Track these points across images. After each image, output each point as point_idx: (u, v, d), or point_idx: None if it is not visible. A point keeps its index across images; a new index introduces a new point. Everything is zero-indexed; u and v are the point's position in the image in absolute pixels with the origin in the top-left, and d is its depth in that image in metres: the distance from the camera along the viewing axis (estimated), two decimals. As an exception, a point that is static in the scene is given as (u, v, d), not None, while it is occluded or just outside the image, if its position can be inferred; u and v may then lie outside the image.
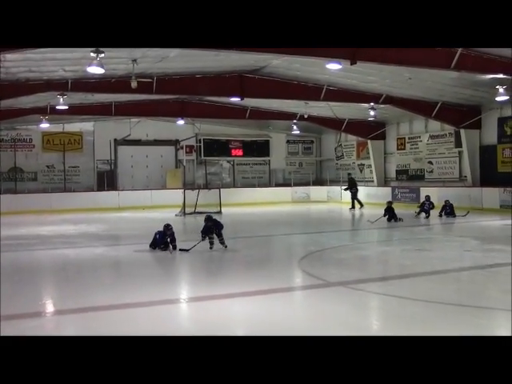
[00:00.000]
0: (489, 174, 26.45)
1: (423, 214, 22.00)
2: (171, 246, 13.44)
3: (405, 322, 7.04)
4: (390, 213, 20.88)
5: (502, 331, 6.90)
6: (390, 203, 21.57)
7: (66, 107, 23.78)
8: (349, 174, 32.15)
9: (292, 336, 5.61)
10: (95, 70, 16.13)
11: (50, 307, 8.50)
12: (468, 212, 21.39)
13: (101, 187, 31.94)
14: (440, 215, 22.08)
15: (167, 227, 13.74)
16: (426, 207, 22.13)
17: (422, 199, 25.41)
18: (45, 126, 29.60)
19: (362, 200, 29.09)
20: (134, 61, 17.73)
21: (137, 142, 33.16)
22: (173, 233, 13.62)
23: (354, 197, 28.70)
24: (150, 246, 13.73)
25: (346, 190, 29.81)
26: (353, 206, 28.25)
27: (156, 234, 13.74)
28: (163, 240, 13.54)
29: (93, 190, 31.54)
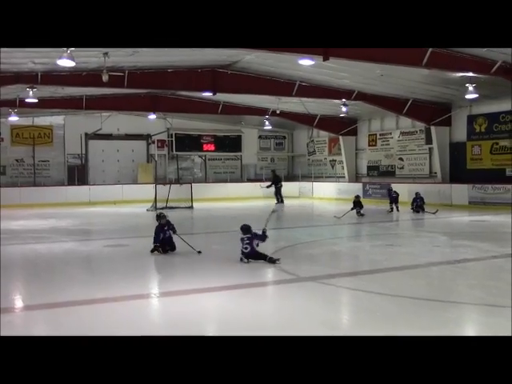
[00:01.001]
0: (458, 170, 26.82)
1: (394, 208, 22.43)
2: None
3: (375, 317, 7.09)
4: (357, 206, 21.16)
5: (471, 325, 7.02)
6: (357, 197, 21.89)
7: (36, 100, 23.50)
8: (272, 170, 32.55)
9: (286, 336, 5.62)
10: (66, 62, 15.95)
11: (19, 303, 8.39)
12: (437, 210, 21.61)
13: (71, 182, 31.65)
14: (412, 208, 22.28)
15: (158, 217, 12.67)
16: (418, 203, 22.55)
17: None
18: (14, 119, 29.20)
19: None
20: (106, 54, 17.56)
21: (108, 137, 32.91)
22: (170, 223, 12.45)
23: (278, 192, 29.58)
24: (153, 251, 12.20)
25: (268, 187, 30.09)
26: (279, 201, 29.12)
27: (159, 233, 12.29)
28: (160, 236, 12.21)
29: (63, 185, 31.22)
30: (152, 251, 12.11)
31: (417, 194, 22.73)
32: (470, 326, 7.01)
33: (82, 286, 9.20)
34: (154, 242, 12.21)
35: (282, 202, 29.34)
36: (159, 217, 12.64)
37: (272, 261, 10.65)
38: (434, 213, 21.36)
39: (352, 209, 20.96)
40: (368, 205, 24.64)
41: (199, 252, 11.96)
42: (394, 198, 23.17)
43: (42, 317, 7.41)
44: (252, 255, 10.84)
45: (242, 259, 10.86)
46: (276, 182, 30.10)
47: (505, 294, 8.13)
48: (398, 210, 22.79)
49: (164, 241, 12.19)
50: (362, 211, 21.08)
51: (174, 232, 12.30)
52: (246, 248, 10.94)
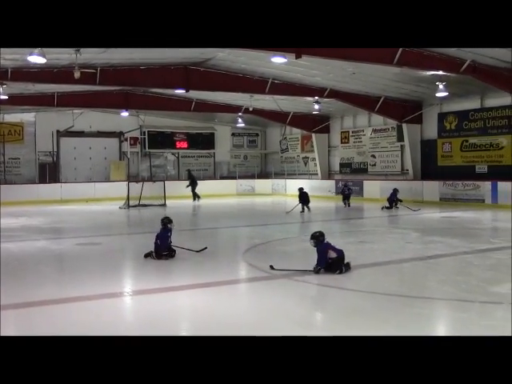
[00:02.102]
0: (429, 167, 27.15)
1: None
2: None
3: (348, 313, 7.17)
4: (303, 199, 21.83)
5: (442, 320, 7.13)
6: (301, 189, 22.43)
7: (6, 97, 23.25)
8: (188, 170, 32.38)
9: (261, 336, 5.65)
10: (36, 59, 15.80)
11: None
12: (419, 209, 21.81)
13: (43, 179, 31.31)
14: (390, 205, 22.57)
15: (167, 221, 11.48)
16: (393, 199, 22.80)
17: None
18: (-17, 116, 28.83)
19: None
20: (77, 51, 17.37)
21: (80, 134, 32.66)
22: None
23: (193, 189, 29.63)
24: (147, 255, 11.22)
25: (188, 186, 30.08)
26: (195, 198, 29.21)
27: (157, 239, 11.20)
28: (167, 242, 11.24)
29: (34, 183, 30.88)
30: (146, 256, 11.17)
31: (394, 190, 22.94)
32: (442, 322, 7.13)
33: (54, 285, 9.15)
34: (162, 248, 11.11)
35: (198, 198, 29.41)
36: (167, 221, 11.49)
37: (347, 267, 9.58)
38: (416, 210, 21.58)
39: (299, 203, 21.72)
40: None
41: (202, 250, 11.49)
42: (347, 196, 24.36)
43: (14, 316, 7.35)
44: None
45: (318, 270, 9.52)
46: (192, 180, 30.08)
47: (474, 290, 8.28)
48: (349, 206, 23.97)
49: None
50: (309, 205, 21.92)
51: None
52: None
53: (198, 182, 30.63)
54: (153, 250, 11.14)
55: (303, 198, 21.86)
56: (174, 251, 11.22)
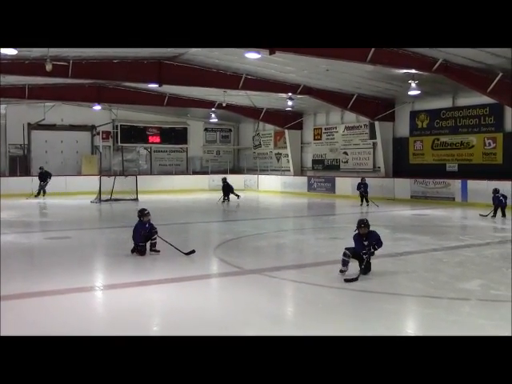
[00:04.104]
0: (401, 165, 27.39)
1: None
2: (150, 244, 10.97)
3: (319, 309, 7.22)
4: (225, 190, 24.07)
5: (410, 316, 7.22)
6: (224, 180, 24.78)
7: (-25, 89, 22.89)
8: (40, 167, 29.25)
9: (277, 336, 5.65)
10: (7, 50, 15.60)
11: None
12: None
13: (13, 172, 30.92)
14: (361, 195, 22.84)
15: (140, 214, 11.17)
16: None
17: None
18: (-48, 107, 28.35)
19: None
20: (50, 43, 17.17)
21: (51, 127, 32.28)
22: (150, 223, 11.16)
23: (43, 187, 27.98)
24: (133, 250, 10.98)
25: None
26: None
27: (140, 231, 10.94)
28: (139, 235, 10.89)
29: (4, 176, 30.45)
30: (133, 251, 10.94)
31: (362, 179, 23.34)
32: (411, 318, 7.22)
33: (23, 279, 9.06)
34: (135, 241, 10.96)
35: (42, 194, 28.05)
36: (143, 213, 11.14)
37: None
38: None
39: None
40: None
41: (190, 253, 10.81)
42: (363, 194, 23.28)
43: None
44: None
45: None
46: (43, 178, 28.41)
47: (443, 286, 8.40)
48: (367, 204, 22.93)
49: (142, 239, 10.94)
50: (228, 198, 24.20)
51: (155, 233, 11.05)
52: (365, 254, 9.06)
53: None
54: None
55: (226, 188, 24.66)
56: (155, 249, 10.93)
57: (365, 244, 9.02)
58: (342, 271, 8.96)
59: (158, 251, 10.93)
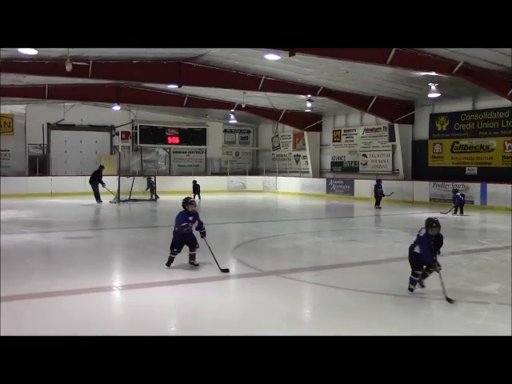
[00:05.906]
0: (420, 168, 27.24)
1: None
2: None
3: (337, 311, 7.19)
4: (195, 191, 26.16)
5: (429, 319, 7.16)
6: (194, 182, 26.97)
7: (-4, 88, 23.09)
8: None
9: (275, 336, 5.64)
10: (28, 50, 15.70)
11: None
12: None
13: (32, 172, 31.17)
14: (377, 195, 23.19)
15: (187, 201, 9.74)
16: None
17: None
18: (-27, 107, 28.62)
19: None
20: (70, 44, 17.26)
21: (71, 127, 32.49)
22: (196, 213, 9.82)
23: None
24: (172, 247, 9.77)
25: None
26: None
27: (183, 222, 9.53)
28: (180, 231, 9.54)
29: (24, 175, 30.70)
30: (168, 264, 9.77)
31: (378, 180, 23.50)
32: (428, 321, 7.16)
33: (42, 279, 9.12)
34: (173, 240, 9.74)
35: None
36: (187, 202, 9.74)
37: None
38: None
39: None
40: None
41: (226, 270, 9.45)
42: (378, 195, 23.74)
43: (2, 309, 7.32)
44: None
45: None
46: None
47: (461, 289, 8.32)
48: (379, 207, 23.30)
49: (184, 237, 9.66)
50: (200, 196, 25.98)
51: (203, 235, 9.80)
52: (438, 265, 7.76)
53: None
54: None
55: (195, 189, 26.73)
56: (193, 262, 9.72)
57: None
58: (410, 289, 8.06)
59: (197, 265, 9.68)
